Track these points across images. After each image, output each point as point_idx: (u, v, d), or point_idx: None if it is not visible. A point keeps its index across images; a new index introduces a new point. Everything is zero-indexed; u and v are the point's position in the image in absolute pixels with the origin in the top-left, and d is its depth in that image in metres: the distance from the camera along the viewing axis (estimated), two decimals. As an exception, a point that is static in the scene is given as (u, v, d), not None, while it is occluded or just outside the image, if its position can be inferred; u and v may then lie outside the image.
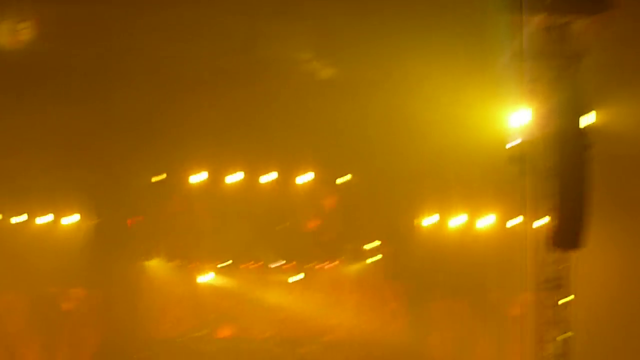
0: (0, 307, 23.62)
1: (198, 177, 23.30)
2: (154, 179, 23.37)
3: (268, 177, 23.27)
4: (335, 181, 23.52)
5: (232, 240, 23.80)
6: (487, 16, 13.97)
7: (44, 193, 22.87)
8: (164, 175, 23.34)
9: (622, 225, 21.36)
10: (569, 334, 13.88)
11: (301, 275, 24.24)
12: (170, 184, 23.62)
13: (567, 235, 13.11)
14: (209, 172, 23.18)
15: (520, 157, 14.11)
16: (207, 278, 24.44)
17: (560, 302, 13.94)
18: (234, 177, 23.21)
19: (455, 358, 23.44)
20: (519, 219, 21.22)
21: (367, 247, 23.90)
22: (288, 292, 24.46)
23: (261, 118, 21.22)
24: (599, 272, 20.41)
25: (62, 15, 18.71)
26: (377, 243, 23.85)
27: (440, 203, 23.34)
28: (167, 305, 24.55)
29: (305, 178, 23.35)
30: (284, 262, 24.16)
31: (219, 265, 24.15)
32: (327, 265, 24.24)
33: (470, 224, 23.53)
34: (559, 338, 13.83)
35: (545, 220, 13.64)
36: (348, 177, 23.39)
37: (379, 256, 23.92)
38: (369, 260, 24.09)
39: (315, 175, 23.38)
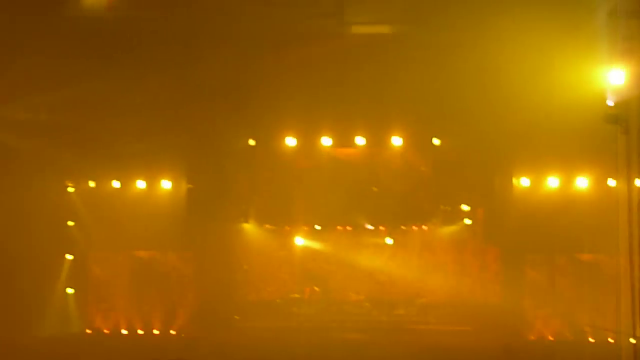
0: (102, 268, 24.42)
1: (291, 142, 23.48)
2: (248, 143, 23.70)
3: (360, 141, 23.31)
4: (428, 144, 23.48)
5: (326, 204, 23.92)
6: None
7: (140, 158, 23.21)
8: (256, 141, 23.70)
9: None
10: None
11: (393, 239, 24.48)
12: (264, 148, 23.89)
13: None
14: (301, 137, 23.37)
15: (616, 116, 13.88)
16: (301, 241, 24.81)
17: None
18: (326, 142, 23.35)
19: (550, 319, 23.12)
20: (615, 179, 20.88)
21: (461, 208, 23.86)
22: (382, 254, 24.67)
23: (353, 83, 21.06)
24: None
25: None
26: (470, 205, 23.80)
27: (535, 164, 22.95)
28: (262, 267, 25.10)
29: (398, 141, 23.29)
30: (377, 225, 24.34)
31: (313, 229, 24.53)
32: (420, 228, 24.38)
33: (565, 184, 23.18)
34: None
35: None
36: (437, 142, 23.33)
37: (472, 218, 23.91)
38: (463, 222, 24.09)
39: (408, 138, 23.32)
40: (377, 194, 23.98)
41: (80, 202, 24.33)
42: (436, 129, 23.20)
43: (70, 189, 24.38)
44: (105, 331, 24.09)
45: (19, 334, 21.47)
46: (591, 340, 22.12)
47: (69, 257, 24.31)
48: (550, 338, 22.98)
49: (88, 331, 24.14)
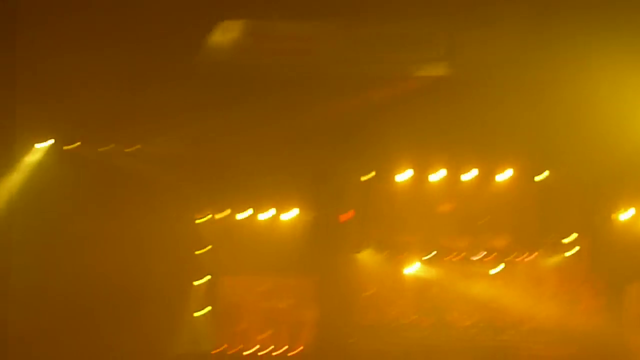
0: (230, 292, 25.74)
1: (404, 176, 24.32)
2: (363, 178, 24.61)
3: (469, 175, 24.07)
4: (533, 178, 24.03)
5: (436, 234, 24.90)
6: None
7: (267, 191, 24.56)
8: (372, 174, 24.53)
9: None
10: None
11: (501, 267, 24.85)
12: (379, 182, 24.76)
13: None
14: (414, 171, 24.22)
15: None
16: (413, 269, 25.43)
17: None
18: (437, 175, 24.17)
19: None
20: None
21: (565, 240, 24.33)
22: (489, 282, 25.09)
23: (461, 122, 21.74)
24: None
25: (281, 33, 20.45)
26: (574, 236, 24.26)
27: (636, 197, 23.56)
28: (376, 293, 25.68)
29: (504, 175, 24.03)
30: (485, 254, 24.92)
31: (424, 257, 25.18)
32: (526, 258, 24.80)
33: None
34: None
35: None
36: (546, 173, 23.86)
37: (576, 249, 24.35)
38: (567, 253, 24.53)
39: (514, 172, 24.02)
40: (486, 225, 24.70)
41: (212, 230, 25.53)
42: (542, 165, 23.78)
43: (203, 219, 25.54)
44: (232, 350, 25.17)
45: (152, 354, 23.05)
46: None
47: (200, 281, 25.46)
48: (652, 363, 23.06)
49: (216, 350, 25.19)
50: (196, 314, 25.51)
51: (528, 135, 22.18)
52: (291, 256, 24.68)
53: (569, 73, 19.70)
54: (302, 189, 24.65)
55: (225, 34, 20.33)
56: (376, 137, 22.49)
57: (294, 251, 24.65)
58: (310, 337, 25.07)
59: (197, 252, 25.47)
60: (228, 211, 25.49)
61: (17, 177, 21.65)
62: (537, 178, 24.02)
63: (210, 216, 25.61)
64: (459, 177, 24.23)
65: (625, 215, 23.87)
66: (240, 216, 25.46)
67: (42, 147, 22.19)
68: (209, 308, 25.62)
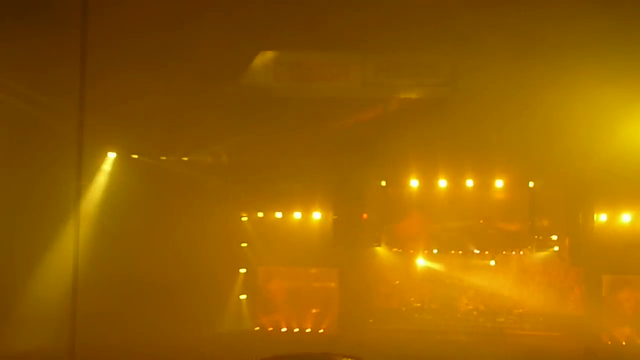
0: (268, 279, 28.25)
1: (413, 183, 26.83)
2: (383, 183, 27.10)
3: (469, 183, 26.58)
4: (524, 186, 26.45)
5: (442, 233, 27.30)
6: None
7: (297, 194, 26.98)
8: (387, 182, 27.05)
9: None
10: None
11: (496, 261, 27.19)
12: (392, 187, 27.21)
13: None
14: (422, 179, 26.64)
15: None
16: (422, 262, 27.90)
17: None
18: (441, 183, 26.72)
19: (622, 327, 25.70)
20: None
21: (551, 238, 26.82)
22: (487, 274, 27.45)
23: (462, 137, 23.33)
24: None
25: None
26: (558, 235, 26.73)
27: (612, 202, 25.73)
28: (391, 282, 28.17)
29: (500, 182, 26.48)
30: (483, 250, 27.32)
31: (432, 251, 27.61)
32: (518, 253, 27.28)
33: (637, 218, 25.83)
34: None
35: None
36: (535, 182, 26.25)
37: (559, 247, 26.79)
38: (553, 249, 27.08)
39: (508, 181, 26.44)
40: (483, 225, 27.08)
41: (251, 228, 28.08)
42: (531, 173, 26.00)
43: (244, 218, 28.22)
44: (269, 329, 27.72)
45: (204, 330, 24.63)
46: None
47: (242, 270, 28.02)
48: (623, 343, 25.46)
49: (256, 328, 27.77)
50: (241, 297, 28.03)
51: (521, 151, 24.00)
52: (320, 249, 27.06)
53: (558, 95, 20.64)
54: (328, 192, 26.92)
55: (263, 62, 21.16)
56: (388, 151, 24.24)
57: (322, 245, 26.99)
58: (335, 317, 27.50)
59: (242, 245, 28.10)
60: (268, 210, 27.85)
61: (100, 179, 23.06)
62: (527, 186, 26.39)
63: (249, 216, 27.93)
64: (461, 183, 26.52)
65: (601, 217, 26.26)
66: (277, 215, 27.93)
67: (113, 156, 23.84)
68: (250, 292, 27.90)
